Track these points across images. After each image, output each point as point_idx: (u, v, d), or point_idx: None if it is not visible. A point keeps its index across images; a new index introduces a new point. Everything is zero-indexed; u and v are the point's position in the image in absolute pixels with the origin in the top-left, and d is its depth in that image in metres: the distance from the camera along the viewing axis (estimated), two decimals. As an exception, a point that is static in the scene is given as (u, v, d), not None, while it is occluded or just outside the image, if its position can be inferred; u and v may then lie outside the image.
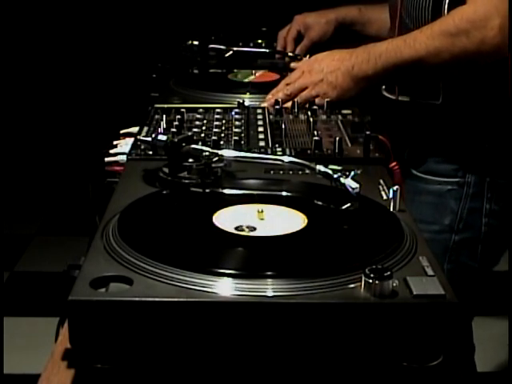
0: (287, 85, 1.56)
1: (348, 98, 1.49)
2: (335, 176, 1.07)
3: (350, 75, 1.45)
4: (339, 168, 1.13)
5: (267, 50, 1.94)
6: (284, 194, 1.10)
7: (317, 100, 1.51)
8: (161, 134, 1.20)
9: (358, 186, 1.05)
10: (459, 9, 1.35)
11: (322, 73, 1.49)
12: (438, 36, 1.35)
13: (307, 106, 1.51)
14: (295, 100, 1.52)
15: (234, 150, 1.22)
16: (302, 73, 1.53)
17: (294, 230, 0.96)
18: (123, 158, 1.29)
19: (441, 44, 1.35)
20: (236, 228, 0.97)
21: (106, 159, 1.31)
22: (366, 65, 1.44)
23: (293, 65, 1.74)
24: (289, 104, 1.51)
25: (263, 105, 1.55)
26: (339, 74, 1.47)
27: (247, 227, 0.97)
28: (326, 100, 1.48)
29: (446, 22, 1.36)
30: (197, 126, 1.41)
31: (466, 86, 1.45)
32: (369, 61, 1.43)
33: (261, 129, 1.42)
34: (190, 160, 1.15)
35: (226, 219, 0.99)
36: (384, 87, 1.62)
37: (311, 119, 1.42)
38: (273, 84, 1.78)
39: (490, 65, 1.41)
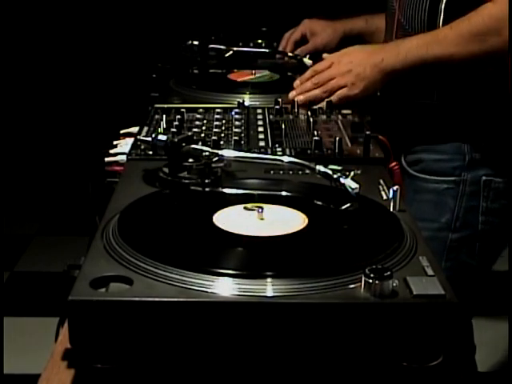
0: (314, 74, 1.55)
1: (372, 91, 1.49)
2: (335, 176, 1.07)
3: (379, 68, 1.46)
4: (339, 168, 1.13)
5: (267, 50, 1.94)
6: (284, 193, 1.10)
7: (334, 97, 1.50)
8: (161, 133, 1.20)
9: (357, 186, 1.05)
10: (485, 7, 1.35)
11: (351, 64, 1.49)
12: (468, 34, 1.36)
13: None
14: (296, 100, 1.52)
15: (234, 150, 1.22)
16: (331, 64, 1.53)
17: (294, 230, 0.96)
18: (123, 157, 1.29)
19: (471, 42, 1.36)
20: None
21: (106, 159, 1.31)
22: (395, 58, 1.44)
23: (325, 55, 1.73)
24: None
25: (290, 96, 1.54)
26: (367, 67, 1.47)
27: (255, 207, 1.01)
28: (351, 93, 1.49)
29: (475, 20, 1.36)
30: (197, 126, 1.41)
31: (461, 85, 1.45)
32: (398, 55, 1.44)
33: (261, 129, 1.42)
34: (190, 160, 1.15)
35: (226, 219, 0.99)
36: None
37: (311, 119, 1.42)
38: (273, 84, 1.78)
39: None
